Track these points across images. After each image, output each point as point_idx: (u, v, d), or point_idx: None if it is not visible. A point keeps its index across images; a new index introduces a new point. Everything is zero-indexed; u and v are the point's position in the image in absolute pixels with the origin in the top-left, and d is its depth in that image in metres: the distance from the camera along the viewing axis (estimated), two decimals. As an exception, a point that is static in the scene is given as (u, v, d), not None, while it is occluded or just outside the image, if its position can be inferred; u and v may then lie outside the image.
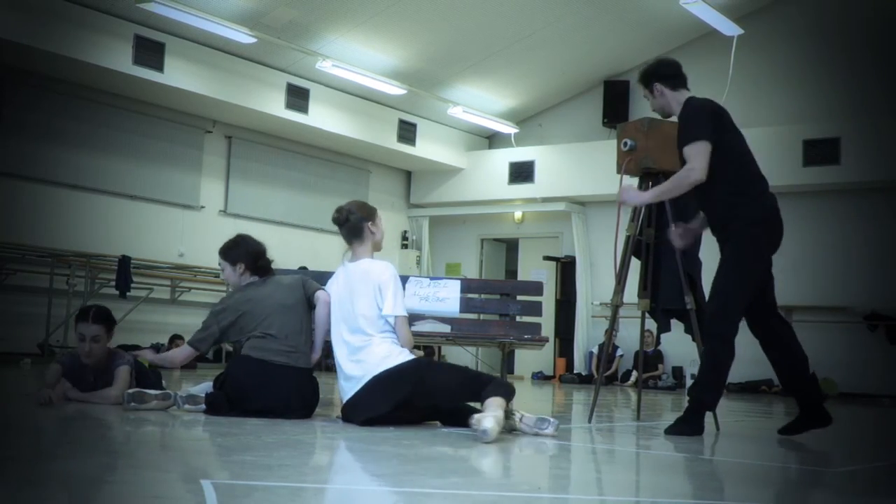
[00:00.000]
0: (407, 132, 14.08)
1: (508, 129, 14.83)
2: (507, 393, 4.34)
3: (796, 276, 11.46)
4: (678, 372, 12.88)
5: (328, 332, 4.85)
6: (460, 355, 14.35)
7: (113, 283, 10.58)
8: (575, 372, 13.77)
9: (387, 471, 3.17)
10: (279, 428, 4.17)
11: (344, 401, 4.60)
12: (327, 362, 10.03)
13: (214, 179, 12.59)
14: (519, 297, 6.20)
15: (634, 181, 5.68)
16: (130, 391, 4.78)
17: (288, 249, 12.10)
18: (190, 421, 4.46)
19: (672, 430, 4.75)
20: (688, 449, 4.26)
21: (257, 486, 2.65)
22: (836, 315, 12.12)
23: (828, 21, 12.71)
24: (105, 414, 4.56)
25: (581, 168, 13.95)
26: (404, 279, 5.34)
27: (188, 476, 2.90)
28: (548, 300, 13.27)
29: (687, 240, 5.17)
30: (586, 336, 14.09)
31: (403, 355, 4.57)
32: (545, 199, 14.53)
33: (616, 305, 5.59)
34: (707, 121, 4.76)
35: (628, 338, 12.77)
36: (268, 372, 4.68)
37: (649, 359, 12.35)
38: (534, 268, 14.80)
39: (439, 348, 13.04)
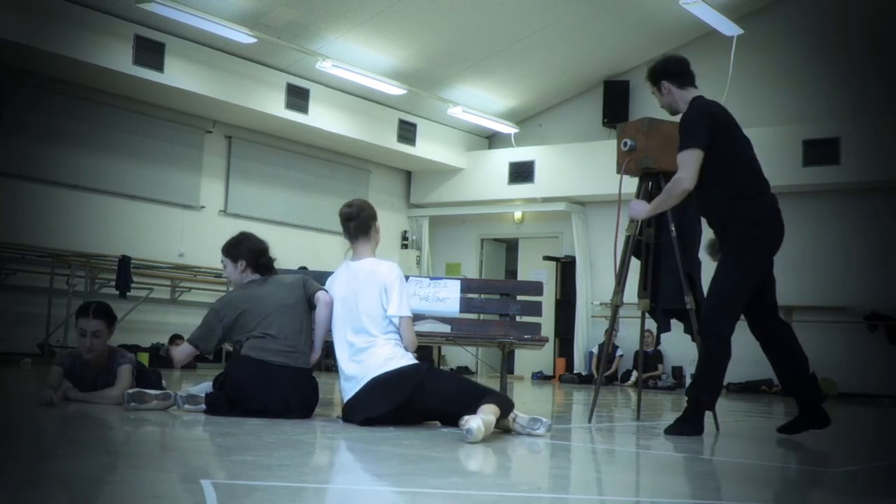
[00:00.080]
0: (407, 132, 14.08)
1: (508, 129, 14.82)
2: (504, 404, 4.33)
3: (796, 276, 11.46)
4: (678, 372, 12.88)
5: (328, 332, 4.85)
6: (460, 355, 14.39)
7: (113, 283, 10.60)
8: (575, 372, 13.77)
9: (387, 471, 3.17)
10: (279, 428, 4.17)
11: (345, 401, 4.61)
12: (327, 362, 10.04)
13: (214, 179, 12.59)
14: (519, 297, 6.20)
15: (634, 181, 5.69)
16: (130, 391, 4.78)
17: (288, 249, 12.08)
18: (190, 421, 4.46)
19: (672, 430, 4.75)
20: (687, 449, 4.27)
21: (257, 486, 2.66)
22: (836, 315, 12.12)
23: (828, 21, 12.71)
24: (105, 414, 4.56)
25: (581, 168, 13.94)
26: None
27: (188, 476, 2.90)
28: (548, 300, 13.28)
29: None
30: (586, 336, 14.08)
31: (406, 358, 4.57)
32: (545, 199, 14.52)
33: (616, 305, 5.59)
34: (703, 127, 4.72)
35: (628, 338, 12.78)
36: (267, 372, 4.68)
37: (649, 359, 12.35)
38: (534, 268, 14.80)
39: (439, 348, 13.02)
